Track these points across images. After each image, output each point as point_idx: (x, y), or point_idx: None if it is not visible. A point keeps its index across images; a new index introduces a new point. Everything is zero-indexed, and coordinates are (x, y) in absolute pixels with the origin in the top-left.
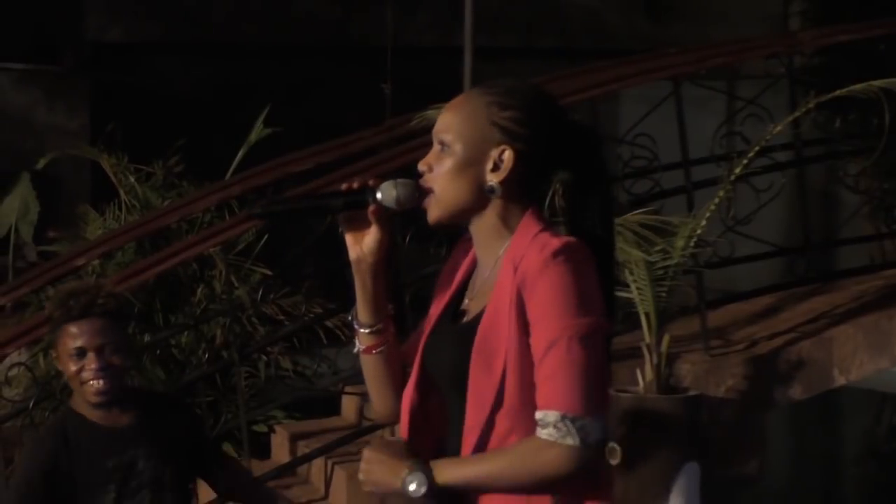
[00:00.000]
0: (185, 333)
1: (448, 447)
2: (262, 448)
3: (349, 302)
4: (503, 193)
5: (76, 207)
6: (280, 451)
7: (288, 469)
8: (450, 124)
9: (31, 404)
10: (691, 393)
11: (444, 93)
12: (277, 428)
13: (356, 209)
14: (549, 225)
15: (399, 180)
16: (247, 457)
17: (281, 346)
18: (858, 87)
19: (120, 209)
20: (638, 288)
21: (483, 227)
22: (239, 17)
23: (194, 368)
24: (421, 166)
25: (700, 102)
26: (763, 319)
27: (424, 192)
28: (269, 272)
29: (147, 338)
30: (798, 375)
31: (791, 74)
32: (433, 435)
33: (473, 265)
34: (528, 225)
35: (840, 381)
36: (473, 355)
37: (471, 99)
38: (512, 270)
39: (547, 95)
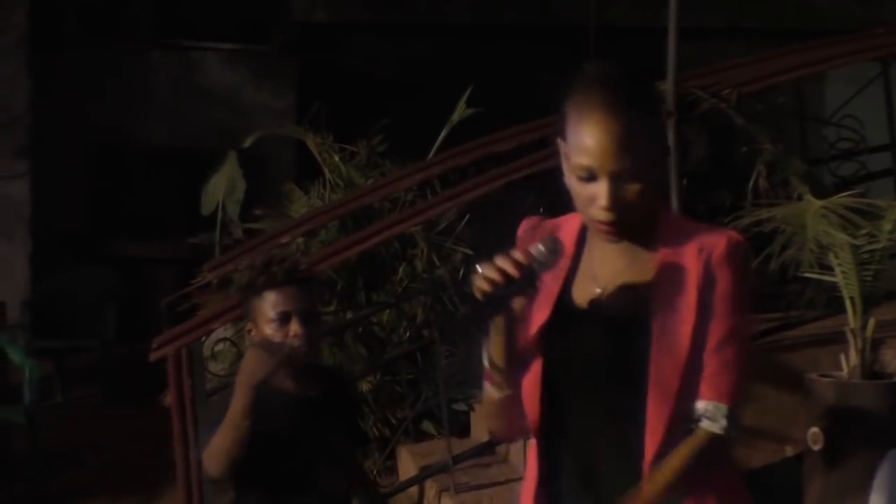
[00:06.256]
0: (387, 311)
1: (588, 445)
2: (461, 426)
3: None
4: None
5: (281, 186)
6: (479, 430)
7: (487, 448)
8: (625, 158)
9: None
10: None
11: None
12: (477, 406)
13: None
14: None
15: (548, 246)
16: (446, 435)
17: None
18: None
19: (324, 188)
20: (843, 272)
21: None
22: None
23: (395, 346)
24: (611, 208)
25: None
26: None
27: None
28: (469, 252)
29: (349, 315)
30: None
31: None
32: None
33: (577, 255)
34: (668, 215)
35: None
36: (654, 344)
37: (629, 122)
38: (695, 254)
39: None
